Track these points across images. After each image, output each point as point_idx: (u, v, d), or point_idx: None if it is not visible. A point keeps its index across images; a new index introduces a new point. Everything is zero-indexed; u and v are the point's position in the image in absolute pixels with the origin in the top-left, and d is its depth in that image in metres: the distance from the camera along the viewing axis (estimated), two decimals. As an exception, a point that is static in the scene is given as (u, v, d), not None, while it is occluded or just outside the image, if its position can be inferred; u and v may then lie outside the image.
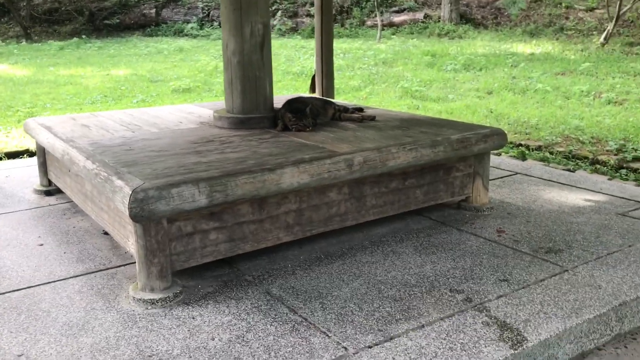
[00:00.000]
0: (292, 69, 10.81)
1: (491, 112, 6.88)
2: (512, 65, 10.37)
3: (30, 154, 5.42)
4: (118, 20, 19.00)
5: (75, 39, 16.93)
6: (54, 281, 2.56)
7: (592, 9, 15.39)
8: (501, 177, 4.04)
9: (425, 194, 3.15)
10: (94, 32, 18.72)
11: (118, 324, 2.20)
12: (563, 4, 16.03)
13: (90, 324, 2.21)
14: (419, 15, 16.60)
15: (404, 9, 17.03)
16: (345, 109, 3.64)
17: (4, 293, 2.46)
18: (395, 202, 3.03)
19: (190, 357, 1.98)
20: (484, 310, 2.25)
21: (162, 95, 8.80)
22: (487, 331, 2.11)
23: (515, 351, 2.00)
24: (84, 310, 2.31)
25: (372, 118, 3.55)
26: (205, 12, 18.85)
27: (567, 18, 15.64)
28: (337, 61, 11.31)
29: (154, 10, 19.10)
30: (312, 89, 5.74)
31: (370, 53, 12.30)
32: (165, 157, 2.71)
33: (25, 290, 2.48)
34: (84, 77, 10.73)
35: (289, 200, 2.66)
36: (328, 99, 3.76)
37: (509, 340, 2.05)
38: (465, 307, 2.28)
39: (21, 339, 2.12)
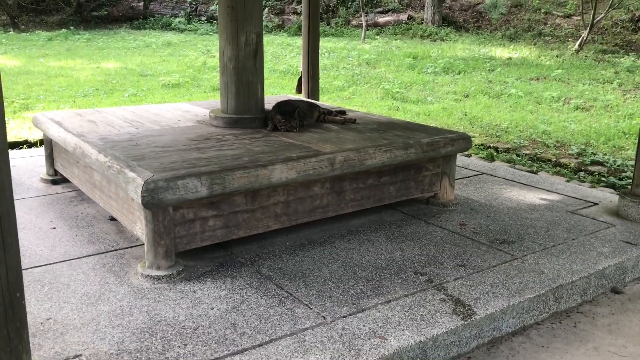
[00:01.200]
0: (278, 67, 11.16)
1: (465, 115, 7.31)
2: (489, 70, 10.83)
3: (29, 144, 5.74)
4: (106, 12, 19.16)
5: (63, 30, 17.07)
6: (70, 259, 2.92)
7: (569, 16, 15.95)
8: (468, 177, 4.46)
9: (398, 190, 3.55)
10: (81, 23, 18.85)
11: (130, 295, 2.57)
12: (542, 10, 16.58)
13: (106, 295, 2.57)
14: (403, 17, 17.03)
15: (389, 10, 17.45)
16: (329, 112, 4.03)
17: (26, 268, 2.81)
18: (371, 196, 3.43)
19: (194, 322, 2.36)
20: (442, 290, 2.65)
21: (152, 89, 9.11)
22: (443, 306, 2.51)
23: (465, 322, 2.41)
24: (99, 284, 2.67)
25: (353, 121, 3.94)
26: (192, 7, 19.09)
27: (545, 24, 16.18)
28: (322, 60, 11.70)
29: (142, 3, 19.29)
30: (299, 89, 6.11)
31: (355, 53, 12.69)
32: (169, 152, 3.07)
33: (45, 267, 2.83)
34: (74, 70, 10.98)
35: (278, 192, 3.04)
36: (314, 101, 4.13)
37: (460, 313, 2.46)
38: (427, 286, 2.68)
39: (47, 306, 2.47)
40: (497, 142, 6.13)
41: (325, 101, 8.27)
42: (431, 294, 2.62)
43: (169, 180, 2.60)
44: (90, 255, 2.97)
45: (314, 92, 5.97)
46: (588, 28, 12.85)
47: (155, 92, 8.88)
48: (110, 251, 3.03)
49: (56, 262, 2.88)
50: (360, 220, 3.49)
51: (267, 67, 11.16)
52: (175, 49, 14.13)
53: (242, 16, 3.59)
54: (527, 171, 4.87)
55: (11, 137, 5.95)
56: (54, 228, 3.31)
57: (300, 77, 6.05)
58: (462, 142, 3.65)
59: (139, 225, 2.85)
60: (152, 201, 2.56)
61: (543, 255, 3.05)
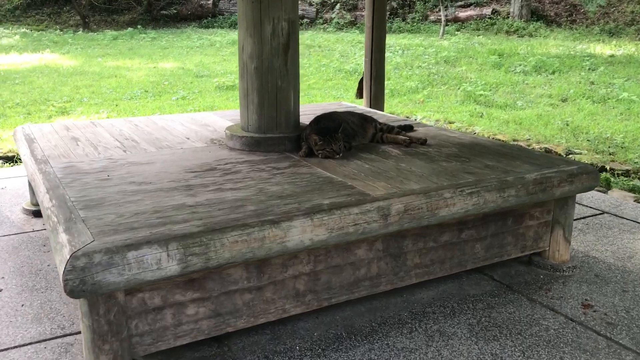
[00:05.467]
0: (345, 66, 10.10)
1: (567, 124, 5.97)
2: (589, 69, 9.31)
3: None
4: (175, 11, 18.76)
5: (129, 29, 16.76)
6: (-6, 350, 1.98)
7: (681, 7, 13.96)
8: (584, 218, 3.23)
9: (488, 249, 2.40)
10: (151, 22, 18.54)
11: None
12: (648, 1, 14.65)
13: None
14: (487, 11, 15.54)
15: (471, 4, 16.00)
16: (389, 128, 2.93)
17: None
18: (446, 260, 2.31)
19: None
20: None
21: (204, 92, 8.28)
22: None
23: None
24: (11, 407, 1.71)
25: (423, 142, 2.83)
26: (262, 4, 18.33)
27: (652, 16, 14.28)
28: (395, 58, 10.54)
29: (210, 2, 18.76)
30: (359, 94, 5.04)
31: (432, 50, 11.44)
32: (145, 193, 2.08)
33: (-48, 364, 1.91)
34: (129, 70, 10.37)
35: (300, 260, 1.98)
36: (368, 115, 3.05)
37: None
38: None
39: None
40: (611, 161, 4.81)
41: (395, 105, 7.14)
42: None
43: (114, 252, 1.60)
44: (25, 345, 2.02)
45: (377, 96, 4.88)
46: None
47: (206, 95, 8.04)
48: (57, 337, 2.07)
49: (-28, 356, 1.95)
50: (429, 292, 2.38)
51: (332, 66, 10.13)
52: (239, 47, 13.34)
53: (267, -4, 2.57)
54: (663, 207, 3.57)
55: (32, 147, 5.21)
56: (1, 290, 2.40)
57: (362, 79, 4.97)
58: (586, 178, 2.45)
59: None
60: (82, 287, 1.57)
61: None
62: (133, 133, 3.07)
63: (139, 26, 17.33)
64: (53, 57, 11.96)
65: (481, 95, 7.54)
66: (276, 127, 2.71)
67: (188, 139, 2.94)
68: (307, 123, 2.77)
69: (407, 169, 2.37)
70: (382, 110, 4.96)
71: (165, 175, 2.30)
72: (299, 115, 2.81)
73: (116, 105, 7.32)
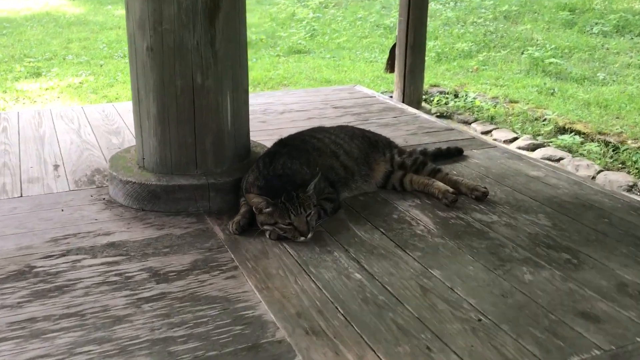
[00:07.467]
0: (385, 20, 8.55)
1: (675, 113, 4.43)
2: (687, 30, 7.55)
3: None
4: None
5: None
6: None
7: None
8: None
9: None
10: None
11: None
12: None
13: None
14: (555, -43, 13.51)
15: (536, -51, 13.97)
16: (417, 163, 1.56)
17: None
18: None
19: None
20: None
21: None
22: None
23: None
24: None
25: (481, 196, 1.47)
26: (300, -53, 16.64)
27: None
28: (445, 12, 8.92)
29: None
30: (390, 66, 3.65)
31: (489, 3, 9.72)
32: None
33: None
34: (139, 20, 9.09)
35: None
36: (380, 137, 1.62)
37: None
38: None
39: None
40: None
41: (442, 75, 5.66)
42: None
43: None
44: None
45: (413, 71, 3.51)
46: None
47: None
48: None
49: None
50: None
51: (370, 20, 8.58)
52: (268, -5, 11.87)
53: None
54: None
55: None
56: None
57: (394, 46, 3.58)
58: None
59: None
60: None
61: None
62: (-20, 149, 1.81)
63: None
64: (60, 2, 10.75)
65: (551, 63, 5.97)
66: (195, 165, 1.40)
67: (56, 168, 1.66)
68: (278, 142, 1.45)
69: (443, 295, 1.04)
70: (421, 89, 3.58)
71: None
72: (247, 138, 1.48)
73: (101, 66, 6.07)
